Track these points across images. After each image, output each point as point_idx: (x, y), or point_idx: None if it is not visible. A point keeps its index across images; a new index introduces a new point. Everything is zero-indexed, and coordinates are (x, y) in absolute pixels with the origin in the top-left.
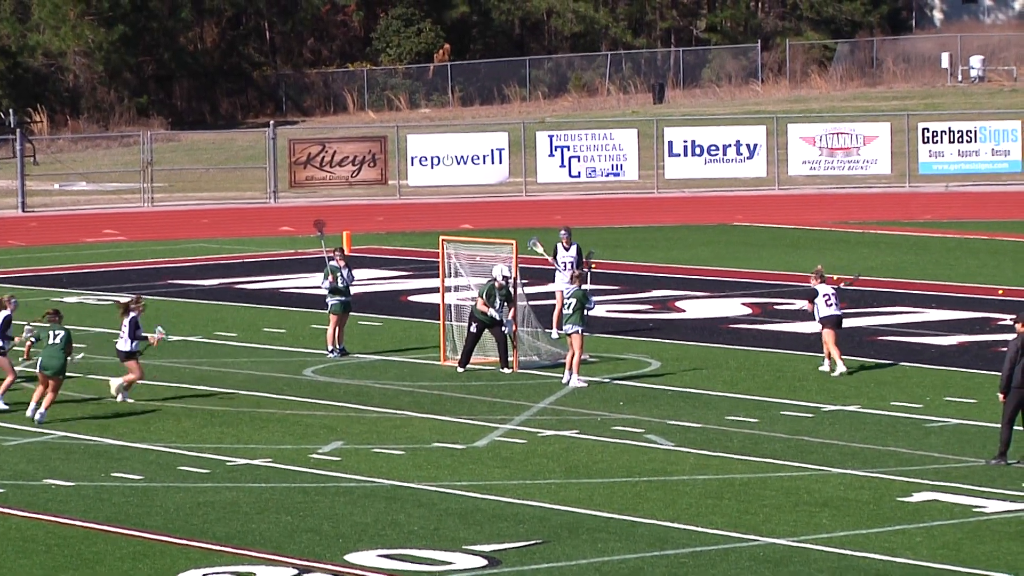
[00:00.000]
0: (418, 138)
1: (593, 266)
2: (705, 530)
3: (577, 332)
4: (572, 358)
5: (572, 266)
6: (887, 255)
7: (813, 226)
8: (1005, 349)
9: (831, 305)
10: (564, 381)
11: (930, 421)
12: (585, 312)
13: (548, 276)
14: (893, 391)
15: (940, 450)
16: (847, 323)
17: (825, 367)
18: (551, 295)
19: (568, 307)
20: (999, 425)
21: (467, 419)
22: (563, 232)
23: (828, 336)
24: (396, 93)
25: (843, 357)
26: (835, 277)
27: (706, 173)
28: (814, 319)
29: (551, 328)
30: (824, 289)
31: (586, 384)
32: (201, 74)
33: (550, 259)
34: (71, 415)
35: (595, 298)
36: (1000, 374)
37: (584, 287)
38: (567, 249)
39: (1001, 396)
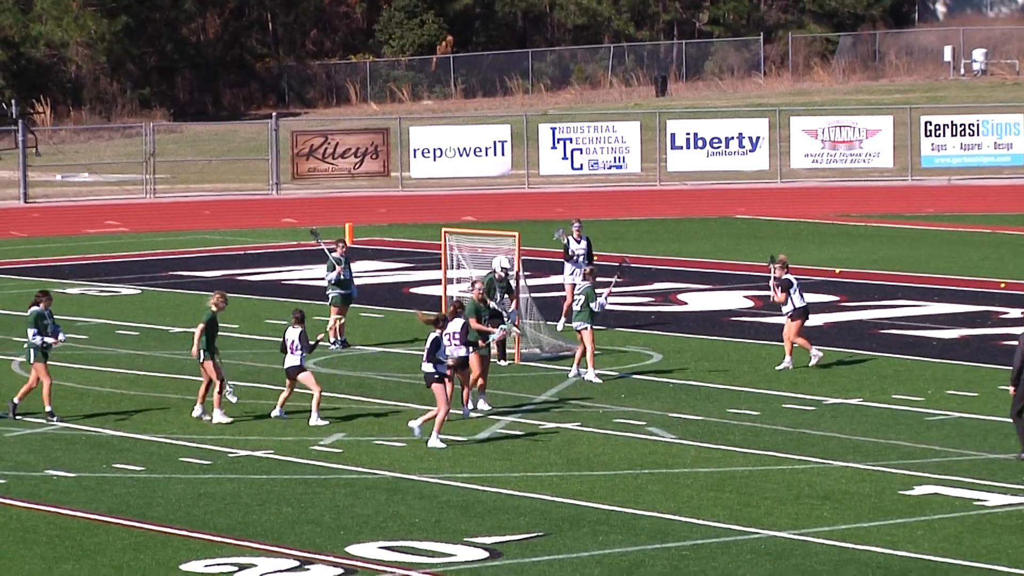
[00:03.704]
0: (421, 130)
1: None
2: (706, 523)
3: (586, 328)
4: (582, 352)
5: (583, 259)
6: (889, 248)
7: (815, 219)
8: (1010, 343)
9: (802, 296)
10: (571, 375)
11: (931, 414)
12: (592, 309)
13: (551, 268)
14: (894, 384)
15: (941, 443)
16: (849, 316)
17: (787, 364)
18: (554, 287)
19: (577, 303)
20: (1000, 419)
21: (468, 406)
22: (576, 224)
23: (796, 327)
24: (399, 85)
25: (829, 349)
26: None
27: (708, 166)
28: (782, 310)
29: (560, 319)
30: (793, 279)
31: (600, 380)
32: (203, 65)
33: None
34: (72, 406)
35: (608, 299)
36: (1011, 367)
37: (599, 281)
38: (578, 242)
39: (1012, 389)
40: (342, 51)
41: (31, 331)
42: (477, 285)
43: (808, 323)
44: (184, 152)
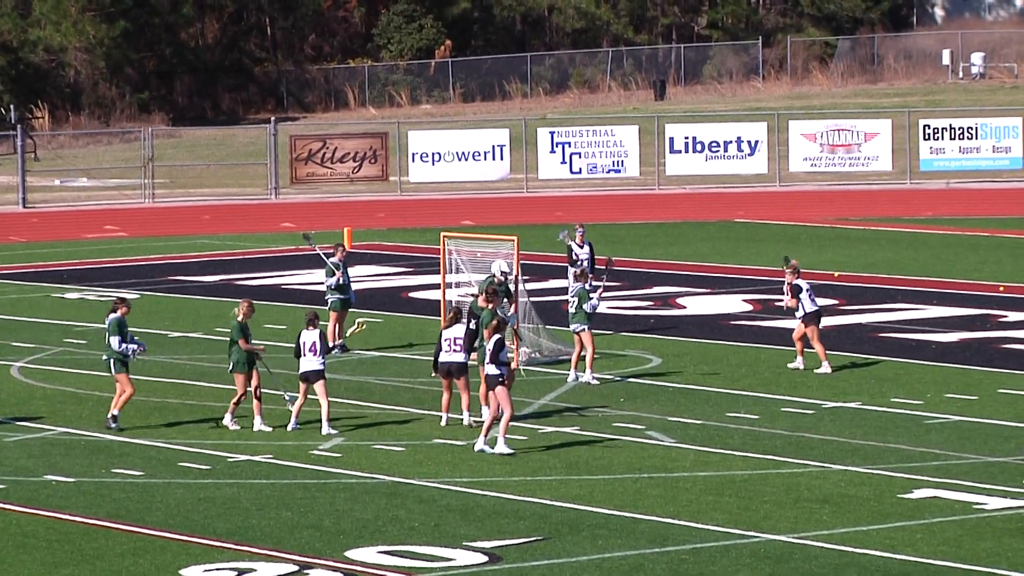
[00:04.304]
0: (419, 134)
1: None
2: (706, 526)
3: (584, 330)
4: (578, 355)
5: (586, 264)
6: (888, 251)
7: (814, 223)
8: (1009, 346)
9: (813, 300)
10: (570, 379)
11: (930, 418)
12: (586, 309)
13: (550, 272)
14: (893, 388)
15: (940, 447)
16: (848, 320)
17: (798, 364)
18: (553, 291)
19: (572, 305)
20: (1000, 422)
21: (469, 411)
22: (579, 229)
23: (812, 332)
24: (397, 89)
25: (829, 353)
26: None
27: (707, 170)
28: (795, 316)
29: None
30: (804, 284)
31: (598, 382)
32: (202, 70)
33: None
34: (71, 411)
35: (600, 299)
36: (1014, 371)
37: (587, 286)
38: (581, 247)
39: None
40: (340, 55)
41: (114, 339)
42: (492, 294)
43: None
44: (183, 157)
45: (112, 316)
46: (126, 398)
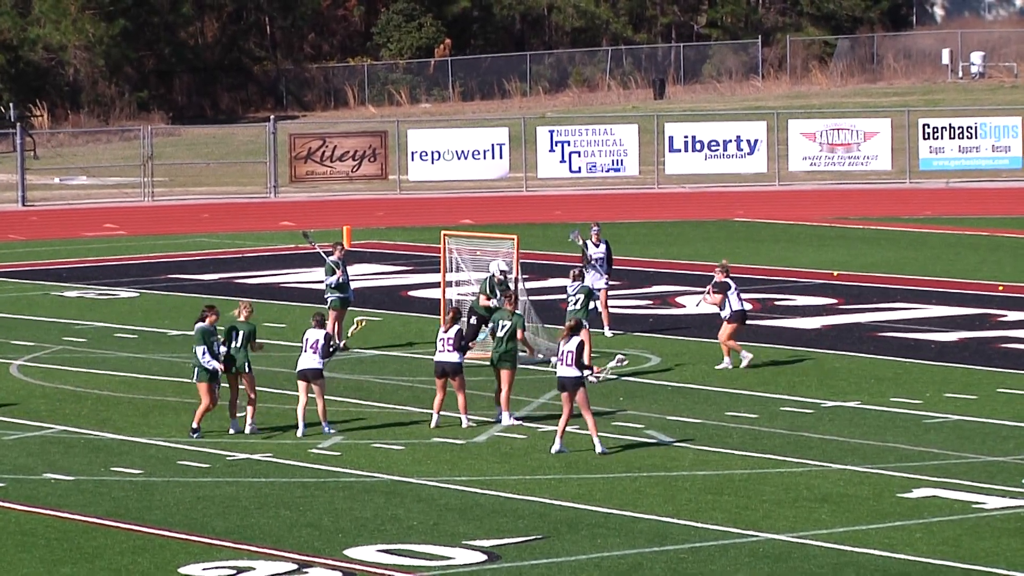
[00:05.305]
0: (418, 133)
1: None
2: (705, 526)
3: (583, 328)
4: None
5: (602, 263)
6: (887, 251)
7: (813, 222)
8: (1008, 346)
9: (740, 300)
10: None
11: (930, 417)
12: (592, 307)
13: (549, 271)
14: (893, 387)
15: (940, 446)
16: (847, 319)
17: (726, 364)
18: (552, 290)
19: (576, 303)
20: (999, 421)
21: (467, 414)
22: (594, 228)
23: (732, 330)
24: (397, 88)
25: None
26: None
27: (706, 169)
28: (720, 314)
29: (605, 327)
30: (732, 283)
31: (596, 381)
32: (201, 69)
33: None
34: (71, 409)
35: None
36: (1015, 370)
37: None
38: (597, 246)
39: None
40: (340, 54)
41: (199, 348)
42: (515, 299)
43: (747, 325)
44: (182, 155)
45: (198, 325)
46: (203, 409)
